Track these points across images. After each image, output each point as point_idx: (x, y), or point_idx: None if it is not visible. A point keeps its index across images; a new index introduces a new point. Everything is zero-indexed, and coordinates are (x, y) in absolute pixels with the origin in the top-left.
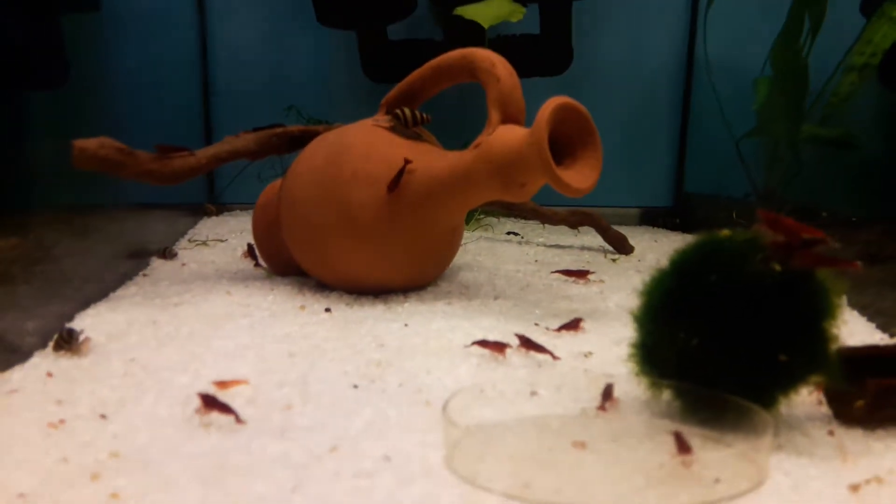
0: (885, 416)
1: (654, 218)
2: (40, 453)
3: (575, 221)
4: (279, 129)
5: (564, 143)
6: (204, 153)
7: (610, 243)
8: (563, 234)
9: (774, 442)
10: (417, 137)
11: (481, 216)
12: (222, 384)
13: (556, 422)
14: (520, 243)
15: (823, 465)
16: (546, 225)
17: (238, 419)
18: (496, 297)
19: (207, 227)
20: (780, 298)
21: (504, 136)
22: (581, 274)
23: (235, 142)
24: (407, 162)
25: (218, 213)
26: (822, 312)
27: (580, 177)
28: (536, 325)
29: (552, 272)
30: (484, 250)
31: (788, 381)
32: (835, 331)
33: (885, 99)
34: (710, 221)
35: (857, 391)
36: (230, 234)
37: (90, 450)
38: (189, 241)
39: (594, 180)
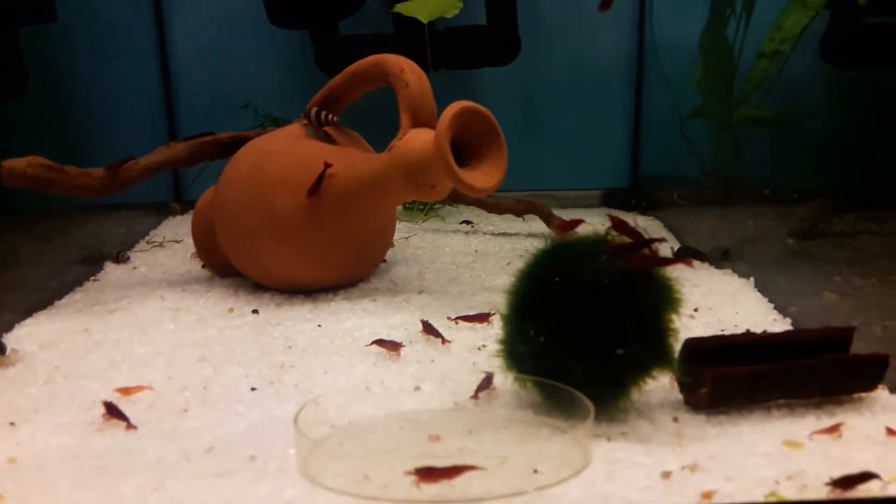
0: (726, 401)
1: (613, 199)
2: None
3: (520, 210)
4: (210, 137)
5: (472, 143)
6: (135, 164)
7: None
8: (515, 222)
9: (619, 429)
10: (327, 137)
11: (438, 206)
12: (125, 391)
13: (426, 416)
14: (467, 233)
15: (655, 452)
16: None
17: (129, 425)
18: (420, 292)
19: (170, 227)
20: (618, 296)
21: (412, 141)
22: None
23: (166, 151)
24: (327, 166)
25: (183, 211)
26: (661, 308)
27: (485, 176)
28: (449, 318)
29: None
30: (427, 243)
31: (630, 374)
32: (674, 325)
33: (830, 75)
34: (663, 202)
35: (702, 379)
36: (188, 235)
37: None
38: (147, 242)
39: (499, 179)
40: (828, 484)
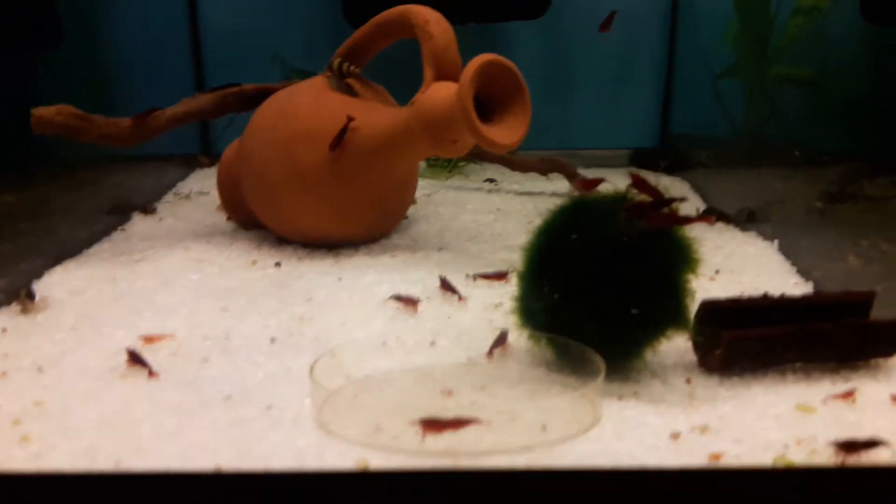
0: (741, 364)
1: (642, 159)
2: None
3: (544, 168)
4: (235, 89)
5: (496, 98)
6: (161, 115)
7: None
8: (539, 181)
9: (631, 388)
10: (349, 89)
11: (462, 163)
12: (149, 339)
13: (440, 370)
14: (490, 191)
15: (666, 412)
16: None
17: (151, 373)
18: (440, 249)
19: (197, 179)
20: (636, 255)
21: (435, 95)
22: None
23: (192, 102)
24: (350, 120)
25: (211, 164)
26: (679, 268)
27: (508, 132)
28: (467, 275)
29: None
30: (449, 200)
31: (644, 333)
32: (691, 285)
33: (870, 34)
34: (692, 162)
35: (717, 341)
36: (215, 187)
37: (20, 398)
38: (174, 194)
39: (522, 135)
40: (831, 445)
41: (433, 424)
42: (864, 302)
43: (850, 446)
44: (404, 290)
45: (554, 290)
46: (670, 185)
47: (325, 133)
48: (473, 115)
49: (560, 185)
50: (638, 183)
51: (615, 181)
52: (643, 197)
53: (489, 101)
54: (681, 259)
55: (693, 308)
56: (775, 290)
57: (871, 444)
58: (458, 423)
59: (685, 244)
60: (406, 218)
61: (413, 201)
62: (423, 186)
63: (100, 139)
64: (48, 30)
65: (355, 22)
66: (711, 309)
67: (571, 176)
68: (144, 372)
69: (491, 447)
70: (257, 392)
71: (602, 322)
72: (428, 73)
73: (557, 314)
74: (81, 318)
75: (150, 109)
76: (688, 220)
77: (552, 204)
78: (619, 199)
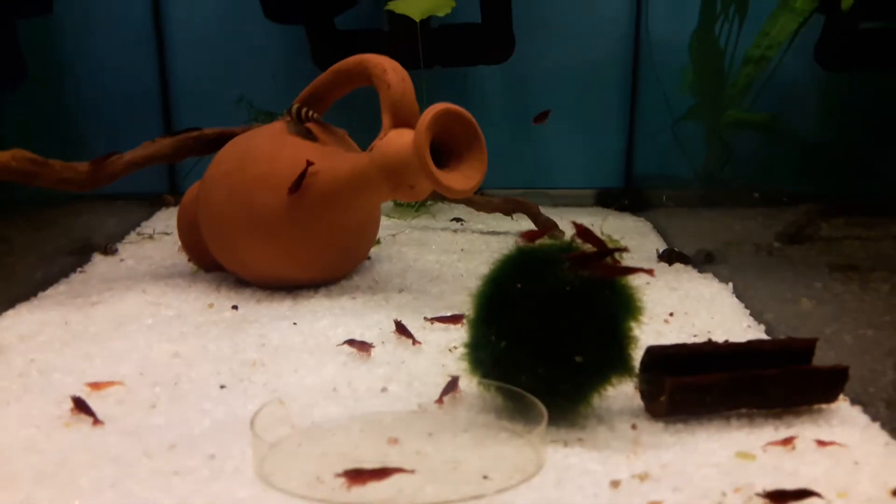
0: (685, 410)
1: (607, 199)
2: None
3: (508, 209)
4: (195, 133)
5: (453, 145)
6: (119, 159)
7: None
8: (504, 221)
9: (577, 434)
10: (309, 134)
11: (430, 203)
12: (96, 385)
13: (389, 418)
14: (455, 231)
15: (609, 459)
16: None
17: (95, 420)
18: (401, 291)
19: (161, 219)
20: (579, 303)
21: (392, 142)
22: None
23: (151, 146)
24: (309, 164)
25: (176, 203)
26: (621, 316)
27: (463, 178)
28: (425, 318)
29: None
30: (414, 240)
31: (589, 380)
32: (634, 332)
33: (824, 79)
34: (654, 202)
35: (661, 387)
36: None
37: None
38: (137, 234)
39: (478, 181)
40: (759, 495)
41: (357, 476)
42: (807, 348)
43: (779, 496)
44: (360, 334)
45: (501, 338)
46: (634, 225)
47: (284, 177)
48: (429, 161)
49: (525, 225)
50: (581, 233)
51: (581, 222)
52: (587, 246)
53: (446, 147)
54: (623, 307)
55: (637, 354)
56: (729, 333)
57: (801, 494)
58: (381, 474)
59: (628, 293)
60: (369, 259)
61: (377, 241)
62: (389, 226)
63: (57, 184)
64: (11, 70)
65: (324, 66)
66: (657, 355)
67: (535, 216)
68: (89, 420)
69: (430, 498)
70: (202, 441)
71: (547, 369)
72: (386, 120)
73: (505, 361)
74: (29, 365)
75: (109, 154)
76: (629, 269)
77: (515, 244)
78: (563, 249)
